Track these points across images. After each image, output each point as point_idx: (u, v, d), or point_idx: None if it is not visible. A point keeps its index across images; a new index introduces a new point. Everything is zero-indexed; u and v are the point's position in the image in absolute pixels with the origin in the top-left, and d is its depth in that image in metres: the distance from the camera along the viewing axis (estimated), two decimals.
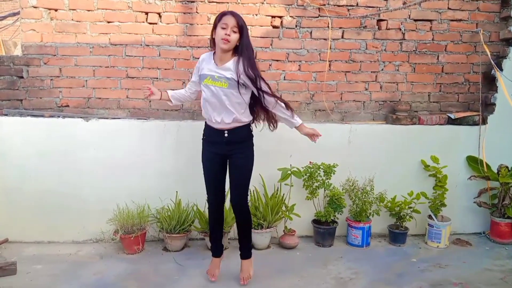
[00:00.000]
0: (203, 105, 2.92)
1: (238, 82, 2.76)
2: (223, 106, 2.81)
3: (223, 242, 3.24)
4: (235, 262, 3.24)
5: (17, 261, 3.14)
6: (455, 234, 4.02)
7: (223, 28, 2.70)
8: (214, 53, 2.87)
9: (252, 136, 3.02)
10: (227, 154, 2.92)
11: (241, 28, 2.72)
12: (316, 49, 3.98)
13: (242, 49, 2.77)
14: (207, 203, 3.12)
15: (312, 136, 3.11)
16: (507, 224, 3.86)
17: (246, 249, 3.10)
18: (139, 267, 3.32)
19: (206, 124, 3.00)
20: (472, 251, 3.75)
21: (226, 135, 2.87)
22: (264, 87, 2.84)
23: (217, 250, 3.17)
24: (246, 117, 2.92)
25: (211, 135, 2.95)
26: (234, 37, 2.71)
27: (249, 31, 2.88)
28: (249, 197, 3.58)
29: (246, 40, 2.77)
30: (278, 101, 2.91)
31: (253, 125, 3.05)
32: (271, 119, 3.06)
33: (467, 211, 4.07)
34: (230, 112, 2.82)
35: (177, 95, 3.17)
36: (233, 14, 2.75)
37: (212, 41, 2.85)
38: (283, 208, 3.76)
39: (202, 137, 3.03)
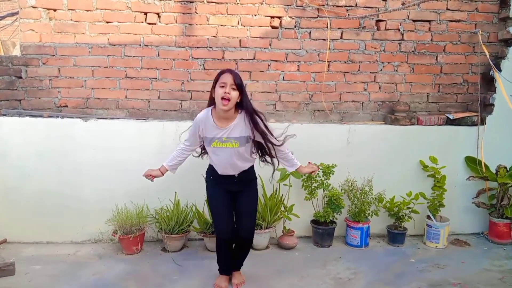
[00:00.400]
0: (210, 157, 2.95)
1: (248, 137, 2.80)
2: (234, 163, 2.86)
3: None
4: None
5: (15, 261, 3.16)
6: (453, 235, 4.03)
7: (222, 87, 2.68)
8: (211, 111, 2.82)
9: (256, 177, 3.08)
10: (238, 191, 2.96)
11: (240, 86, 2.70)
12: (315, 50, 3.98)
13: (246, 105, 2.76)
14: (217, 233, 3.04)
15: (312, 173, 3.23)
16: (505, 225, 3.87)
17: (238, 264, 3.14)
18: (138, 267, 3.32)
19: (211, 167, 2.97)
20: (470, 252, 3.75)
21: (236, 176, 2.92)
22: (275, 141, 2.88)
23: (227, 269, 3.10)
24: (252, 161, 2.99)
25: (219, 178, 2.95)
26: (234, 94, 2.68)
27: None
28: None
29: (246, 96, 2.78)
30: (287, 150, 2.99)
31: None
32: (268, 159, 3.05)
33: (465, 211, 4.08)
34: (240, 167, 2.90)
35: (174, 163, 3.06)
36: (230, 71, 2.74)
37: (211, 100, 2.83)
38: (282, 208, 3.76)
39: (206, 178, 3.03)
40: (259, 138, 2.82)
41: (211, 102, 2.83)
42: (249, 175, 2.98)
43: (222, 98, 2.66)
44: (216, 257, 3.07)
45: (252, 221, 3.04)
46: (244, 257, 3.12)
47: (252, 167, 3.01)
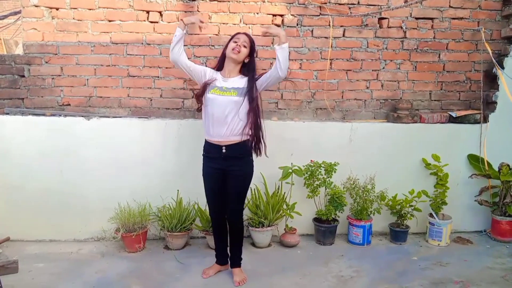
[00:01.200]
0: (204, 119, 3.01)
1: (246, 91, 2.91)
2: (225, 118, 2.88)
3: (228, 252, 3.22)
4: None
5: (18, 259, 3.17)
6: (456, 232, 4.02)
7: (235, 42, 2.94)
8: (218, 71, 3.07)
9: (251, 152, 3.03)
10: (226, 169, 2.97)
11: (252, 46, 2.98)
12: (317, 48, 3.98)
13: (250, 68, 2.99)
14: (210, 215, 3.17)
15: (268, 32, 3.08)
16: (508, 223, 3.86)
17: (236, 258, 3.14)
18: (140, 265, 3.33)
19: (205, 141, 3.05)
20: (473, 249, 3.75)
21: (224, 150, 2.93)
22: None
23: (221, 257, 3.21)
24: (245, 133, 2.96)
25: (210, 151, 3.01)
26: (244, 51, 2.94)
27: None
28: (247, 202, 3.61)
29: (253, 60, 3.01)
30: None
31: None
32: (256, 146, 3.06)
33: (468, 209, 4.07)
34: (230, 125, 2.90)
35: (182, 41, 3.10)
36: (245, 33, 3.01)
37: (221, 58, 3.06)
38: (284, 206, 3.76)
39: (202, 153, 3.09)
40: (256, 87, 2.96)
41: (221, 61, 3.06)
42: (239, 150, 2.95)
43: (233, 49, 2.92)
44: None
45: (238, 203, 3.05)
46: (237, 246, 3.12)
47: (244, 144, 2.96)
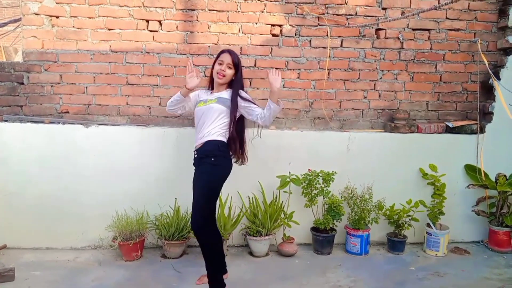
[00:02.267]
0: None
1: (227, 102, 2.99)
2: (203, 124, 2.99)
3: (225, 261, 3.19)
4: (233, 270, 3.24)
5: (15, 267, 3.16)
6: (453, 243, 4.02)
7: (220, 64, 3.04)
8: (209, 90, 3.24)
9: (221, 156, 2.92)
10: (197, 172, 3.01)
11: (236, 65, 3.06)
12: (315, 58, 4.01)
13: (237, 83, 3.08)
14: None
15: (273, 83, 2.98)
16: (505, 233, 3.87)
17: (207, 270, 2.92)
18: (137, 274, 3.32)
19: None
20: (470, 260, 3.75)
21: (195, 155, 3.03)
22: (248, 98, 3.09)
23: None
24: (220, 137, 2.97)
25: (194, 159, 3.08)
26: (229, 72, 3.05)
27: (242, 68, 3.17)
28: (243, 204, 3.59)
29: (240, 76, 3.10)
30: (264, 112, 2.99)
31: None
32: (239, 155, 3.15)
33: (465, 219, 4.08)
34: (204, 129, 2.97)
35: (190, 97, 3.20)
36: (229, 52, 3.07)
37: (211, 77, 3.18)
38: (282, 215, 3.76)
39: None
40: (240, 107, 3.02)
41: (211, 80, 3.20)
42: (205, 149, 2.91)
43: (218, 73, 3.04)
44: None
45: (197, 208, 2.81)
46: (204, 255, 2.87)
47: (211, 144, 2.91)
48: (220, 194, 3.07)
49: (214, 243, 2.92)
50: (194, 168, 3.06)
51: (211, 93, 3.18)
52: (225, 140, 3.00)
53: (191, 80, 3.01)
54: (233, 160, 3.12)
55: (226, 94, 3.07)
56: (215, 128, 2.97)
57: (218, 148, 2.94)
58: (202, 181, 2.88)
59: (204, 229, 2.83)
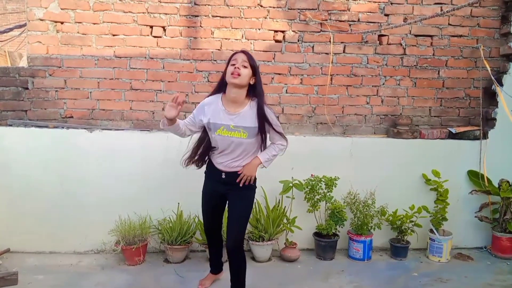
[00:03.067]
0: (214, 144, 2.78)
1: (259, 128, 2.63)
2: (231, 153, 2.72)
3: (222, 261, 3.26)
4: None
5: (18, 271, 3.13)
6: (456, 249, 4.01)
7: (233, 65, 2.59)
8: (221, 97, 2.71)
9: (255, 179, 2.85)
10: (226, 193, 2.83)
11: (253, 66, 2.61)
12: (318, 63, 4.03)
13: (259, 91, 2.63)
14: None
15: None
16: (508, 239, 3.86)
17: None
18: (140, 278, 3.32)
19: (209, 159, 2.89)
20: (473, 266, 3.74)
21: (223, 176, 2.78)
22: (279, 128, 2.77)
23: (213, 266, 3.22)
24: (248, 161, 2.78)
25: (211, 172, 2.88)
26: (245, 72, 2.57)
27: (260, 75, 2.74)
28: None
29: (259, 81, 2.65)
30: (283, 138, 2.81)
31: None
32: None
33: (468, 225, 4.07)
34: (235, 158, 2.73)
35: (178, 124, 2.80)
36: (243, 51, 2.64)
37: (220, 84, 2.73)
38: (285, 220, 3.76)
39: (205, 170, 2.97)
40: (267, 128, 2.67)
41: (220, 86, 2.72)
42: (238, 177, 2.76)
43: (232, 73, 2.55)
44: None
45: (237, 230, 2.76)
46: (236, 280, 2.83)
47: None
48: None
49: (245, 265, 2.86)
50: (206, 179, 2.93)
51: (227, 111, 2.65)
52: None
53: (168, 109, 2.56)
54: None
55: (250, 117, 2.63)
56: (246, 157, 2.75)
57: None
58: (245, 206, 2.82)
59: (239, 251, 2.79)
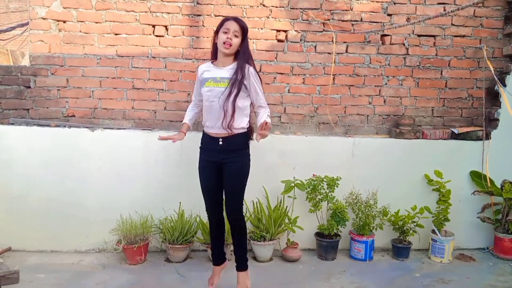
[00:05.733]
0: (203, 111, 2.96)
1: (239, 80, 2.79)
2: (222, 109, 2.79)
3: (225, 251, 3.25)
4: (235, 274, 3.23)
5: (20, 270, 3.14)
6: (458, 249, 4.00)
7: (225, 33, 2.78)
8: (213, 62, 2.95)
9: (248, 145, 2.97)
10: (222, 163, 2.90)
11: (243, 32, 2.81)
12: (320, 63, 4.02)
13: (244, 54, 2.85)
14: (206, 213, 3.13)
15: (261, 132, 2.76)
16: (510, 240, 3.84)
17: (242, 260, 3.04)
18: (141, 278, 3.32)
19: (203, 132, 3.02)
20: (475, 267, 3.72)
21: (220, 142, 2.87)
22: (262, 98, 2.93)
23: (217, 258, 3.17)
24: (242, 124, 2.89)
25: (206, 143, 2.97)
26: (236, 41, 2.79)
27: (248, 38, 2.93)
28: (248, 209, 3.59)
29: (246, 45, 2.87)
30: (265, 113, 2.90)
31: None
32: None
33: (470, 226, 4.05)
34: (226, 116, 2.80)
35: (192, 116, 3.17)
36: (235, 19, 2.82)
37: (214, 48, 2.92)
38: (286, 220, 3.75)
39: (199, 145, 3.06)
40: (245, 80, 2.82)
41: (214, 50, 2.92)
42: (236, 142, 2.87)
43: (224, 43, 2.77)
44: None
45: (237, 199, 2.92)
46: (241, 247, 3.01)
47: (239, 136, 2.89)
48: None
49: (245, 228, 3.04)
50: (201, 152, 3.00)
51: (216, 67, 2.90)
52: (247, 126, 2.94)
53: (178, 136, 3.00)
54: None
55: (233, 71, 2.82)
56: (236, 115, 2.81)
57: (245, 140, 2.94)
58: (242, 174, 2.93)
59: (239, 215, 2.95)
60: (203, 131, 3.01)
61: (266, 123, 2.68)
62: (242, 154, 2.93)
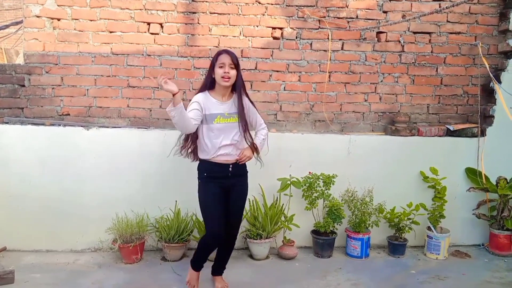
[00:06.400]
0: (204, 144, 2.91)
1: (245, 113, 2.93)
2: (231, 140, 2.91)
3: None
4: (233, 273, 3.24)
5: (15, 269, 3.16)
6: (454, 246, 4.01)
7: (221, 67, 2.83)
8: (210, 93, 2.94)
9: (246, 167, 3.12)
10: (230, 186, 2.98)
11: (237, 65, 2.88)
12: (316, 60, 4.01)
13: (240, 85, 2.93)
14: (209, 234, 2.97)
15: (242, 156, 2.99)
16: (506, 236, 3.86)
17: (223, 268, 3.21)
18: (137, 276, 3.31)
19: (205, 162, 2.96)
20: (471, 263, 3.74)
21: (230, 168, 2.95)
22: (260, 121, 3.13)
23: (200, 267, 3.09)
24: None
25: (215, 171, 2.93)
26: (233, 73, 2.86)
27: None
28: (245, 214, 3.58)
29: (240, 75, 2.94)
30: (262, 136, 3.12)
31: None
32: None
33: (466, 222, 4.07)
34: (236, 145, 2.95)
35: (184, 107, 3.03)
36: (227, 52, 2.88)
37: (207, 79, 2.96)
38: (282, 218, 3.76)
39: (199, 175, 2.99)
40: (248, 114, 2.98)
41: (207, 84, 2.95)
42: (243, 168, 3.06)
43: (223, 77, 2.83)
44: (195, 256, 3.06)
45: (241, 218, 3.14)
46: (228, 258, 3.19)
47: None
48: None
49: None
50: (208, 181, 2.94)
51: (218, 101, 2.92)
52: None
53: (169, 84, 2.66)
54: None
55: (236, 104, 2.94)
56: (242, 143, 2.98)
57: (246, 165, 3.08)
58: (243, 199, 3.10)
59: (237, 234, 3.13)
60: (205, 160, 2.94)
61: (245, 157, 2.96)
62: (247, 176, 3.10)
